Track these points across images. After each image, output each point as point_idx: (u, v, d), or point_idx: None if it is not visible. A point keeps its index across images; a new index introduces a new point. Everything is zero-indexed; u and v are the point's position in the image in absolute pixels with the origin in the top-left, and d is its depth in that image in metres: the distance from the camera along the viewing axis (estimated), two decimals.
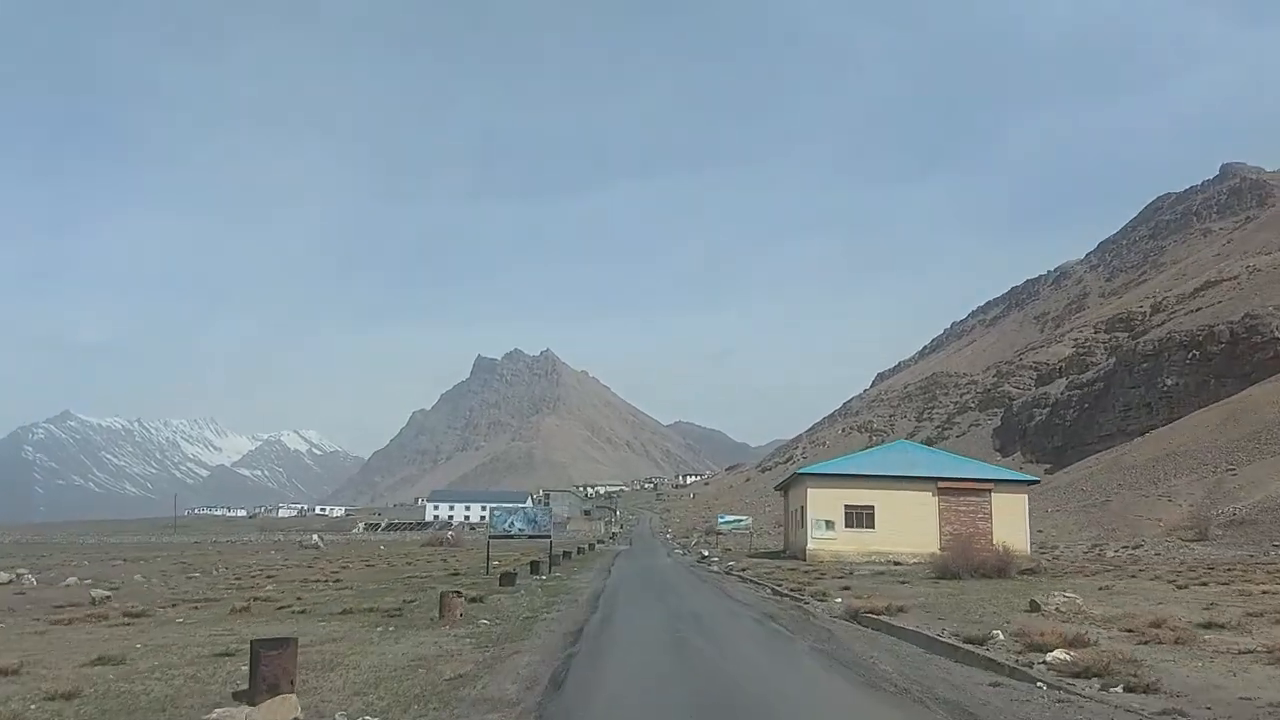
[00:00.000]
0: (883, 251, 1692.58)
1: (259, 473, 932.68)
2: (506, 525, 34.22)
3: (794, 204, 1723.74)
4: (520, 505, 35.89)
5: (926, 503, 42.34)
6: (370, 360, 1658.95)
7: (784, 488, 57.70)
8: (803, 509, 44.78)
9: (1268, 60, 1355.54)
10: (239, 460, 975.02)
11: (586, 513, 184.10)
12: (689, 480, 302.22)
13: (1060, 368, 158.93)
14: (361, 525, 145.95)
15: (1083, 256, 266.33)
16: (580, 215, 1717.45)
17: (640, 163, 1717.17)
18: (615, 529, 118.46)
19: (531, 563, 35.44)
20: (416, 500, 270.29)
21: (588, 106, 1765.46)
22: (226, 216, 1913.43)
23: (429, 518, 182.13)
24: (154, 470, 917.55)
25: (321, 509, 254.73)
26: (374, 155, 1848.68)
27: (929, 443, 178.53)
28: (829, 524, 42.54)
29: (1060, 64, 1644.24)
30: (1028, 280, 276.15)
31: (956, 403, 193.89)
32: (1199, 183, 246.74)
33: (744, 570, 36.40)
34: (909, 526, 42.05)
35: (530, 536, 35.41)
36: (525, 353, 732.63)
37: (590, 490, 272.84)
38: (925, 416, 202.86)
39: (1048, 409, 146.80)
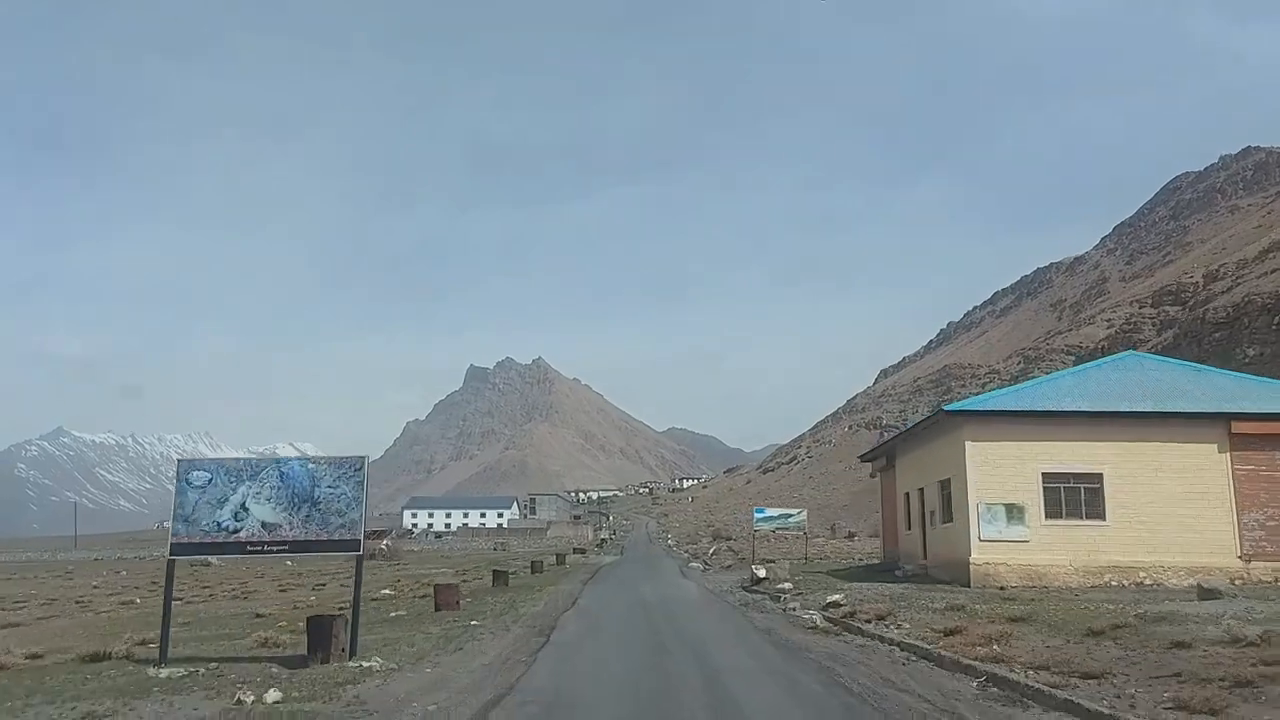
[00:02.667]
0: (878, 251, 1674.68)
1: None
2: (224, 520, 11.72)
3: (786, 206, 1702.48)
4: (273, 459, 11.84)
5: (1206, 464, 20.82)
6: (363, 371, 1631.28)
7: (884, 454, 35.46)
8: (950, 484, 23.19)
9: (1259, 57, 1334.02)
10: None
11: (576, 518, 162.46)
12: (686, 484, 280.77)
13: (1103, 347, 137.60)
14: None
15: (1097, 242, 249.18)
16: (570, 221, 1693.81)
17: (631, 167, 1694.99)
18: (605, 535, 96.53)
19: (318, 620, 12.33)
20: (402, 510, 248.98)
21: (578, 112, 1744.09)
22: (216, 228, 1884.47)
23: (407, 525, 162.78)
24: (149, 485, 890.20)
25: None
26: (363, 164, 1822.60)
27: None
28: (1013, 512, 20.92)
29: (1052, 59, 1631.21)
30: (1038, 269, 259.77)
31: (977, 393, 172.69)
32: (1218, 160, 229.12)
33: (913, 636, 13.76)
34: (1172, 513, 20.58)
35: (287, 547, 12.54)
36: (517, 361, 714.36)
37: (582, 496, 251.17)
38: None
39: None
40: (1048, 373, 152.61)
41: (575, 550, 67.01)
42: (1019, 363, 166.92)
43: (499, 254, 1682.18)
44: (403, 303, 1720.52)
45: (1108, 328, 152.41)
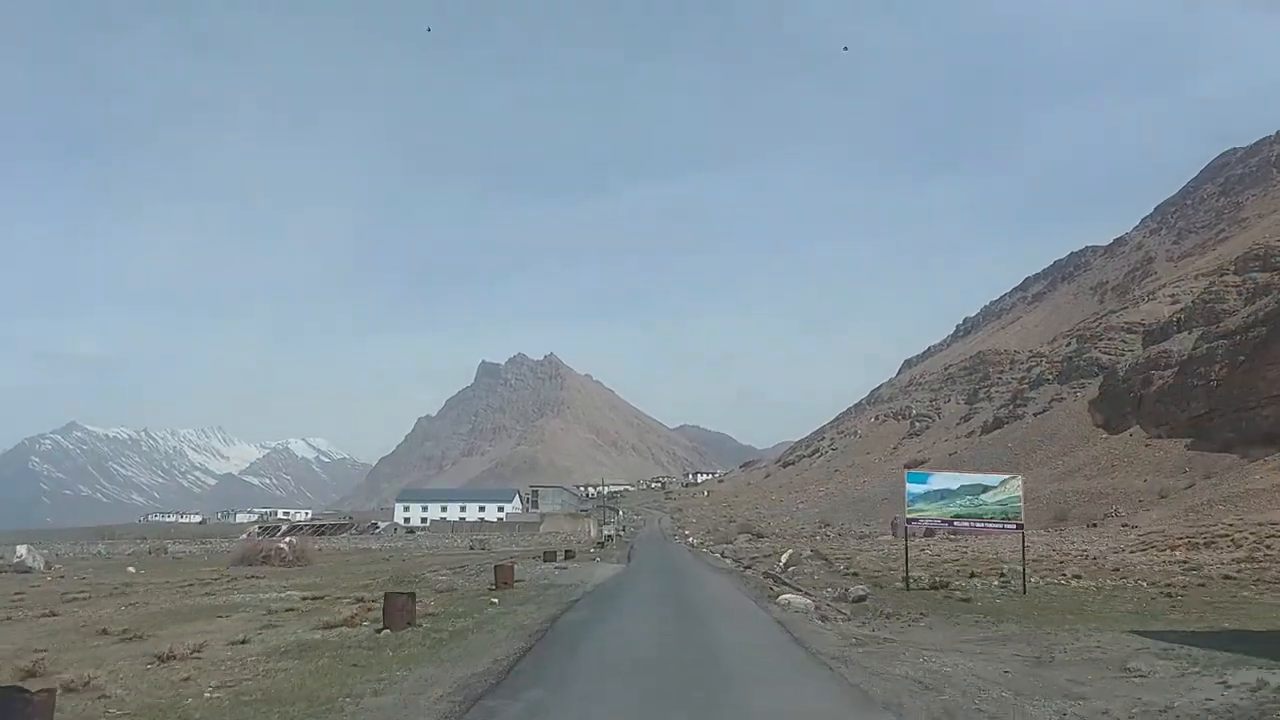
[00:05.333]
0: (892, 250, 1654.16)
1: (267, 480, 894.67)
2: None
3: (802, 205, 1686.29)
4: None
5: None
6: (377, 367, 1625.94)
7: None
8: None
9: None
10: (246, 469, 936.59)
11: (584, 511, 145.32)
12: (700, 479, 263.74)
13: (1177, 320, 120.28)
14: (255, 530, 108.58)
15: (1137, 223, 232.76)
16: (584, 218, 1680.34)
17: (648, 165, 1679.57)
18: (611, 531, 79.71)
19: None
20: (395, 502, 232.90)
21: (596, 110, 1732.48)
22: (232, 225, 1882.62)
23: (398, 519, 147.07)
24: (161, 480, 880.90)
25: (285, 513, 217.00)
26: (380, 164, 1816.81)
27: (998, 424, 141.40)
28: None
29: (1074, 59, 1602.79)
30: (1073, 253, 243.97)
31: (1022, 378, 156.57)
32: (1273, 133, 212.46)
33: None
34: None
35: None
36: (529, 357, 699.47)
37: (592, 490, 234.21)
38: (981, 396, 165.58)
39: (1173, 369, 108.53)
40: (1107, 354, 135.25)
41: (547, 556, 43.35)
42: (1070, 343, 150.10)
43: (513, 251, 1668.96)
44: (416, 300, 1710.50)
45: (1172, 302, 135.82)
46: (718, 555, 47.19)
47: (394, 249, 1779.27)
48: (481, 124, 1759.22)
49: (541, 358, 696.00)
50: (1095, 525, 57.61)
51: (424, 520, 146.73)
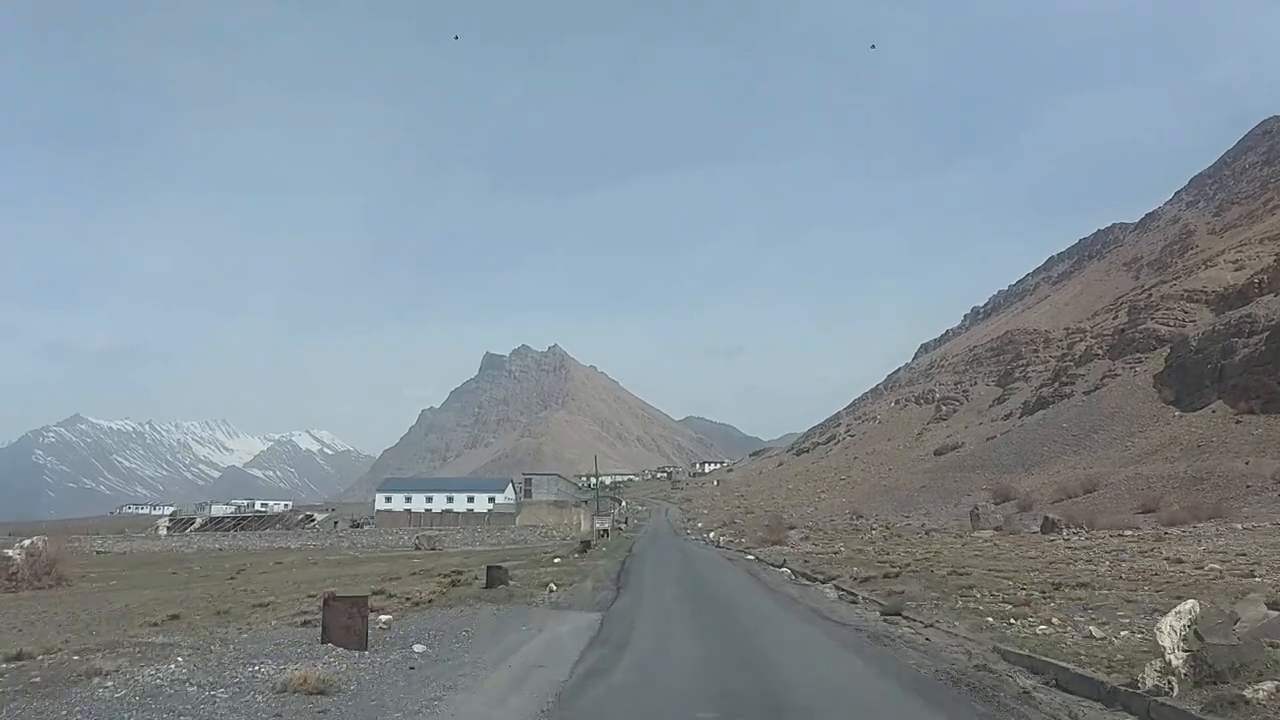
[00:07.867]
0: (897, 244, 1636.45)
1: (271, 473, 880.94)
2: None
3: (807, 198, 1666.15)
4: None
5: None
6: (381, 359, 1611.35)
7: None
8: None
9: None
10: (250, 461, 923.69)
11: (585, 501, 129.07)
12: (709, 468, 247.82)
13: (1259, 283, 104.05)
14: (164, 526, 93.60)
15: (1170, 197, 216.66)
16: (590, 210, 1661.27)
17: (656, 157, 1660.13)
18: (607, 524, 63.66)
19: None
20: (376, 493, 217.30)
21: (604, 101, 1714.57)
22: (236, 218, 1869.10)
23: (380, 510, 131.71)
24: (165, 472, 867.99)
25: (263, 504, 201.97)
26: (386, 156, 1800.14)
27: (1042, 404, 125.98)
28: None
29: (1078, 49, 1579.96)
30: (1099, 230, 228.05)
31: (1063, 355, 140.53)
32: None
33: None
34: None
35: None
36: (533, 348, 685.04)
37: (594, 480, 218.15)
38: (1017, 375, 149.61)
39: (1262, 335, 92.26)
40: (1166, 324, 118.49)
41: (497, 563, 23.75)
42: (1117, 315, 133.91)
43: (517, 242, 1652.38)
44: (420, 292, 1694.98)
45: (1237, 269, 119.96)
46: (786, 572, 26.21)
47: (399, 241, 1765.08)
48: (488, 114, 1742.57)
49: (546, 349, 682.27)
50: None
51: (407, 509, 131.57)
